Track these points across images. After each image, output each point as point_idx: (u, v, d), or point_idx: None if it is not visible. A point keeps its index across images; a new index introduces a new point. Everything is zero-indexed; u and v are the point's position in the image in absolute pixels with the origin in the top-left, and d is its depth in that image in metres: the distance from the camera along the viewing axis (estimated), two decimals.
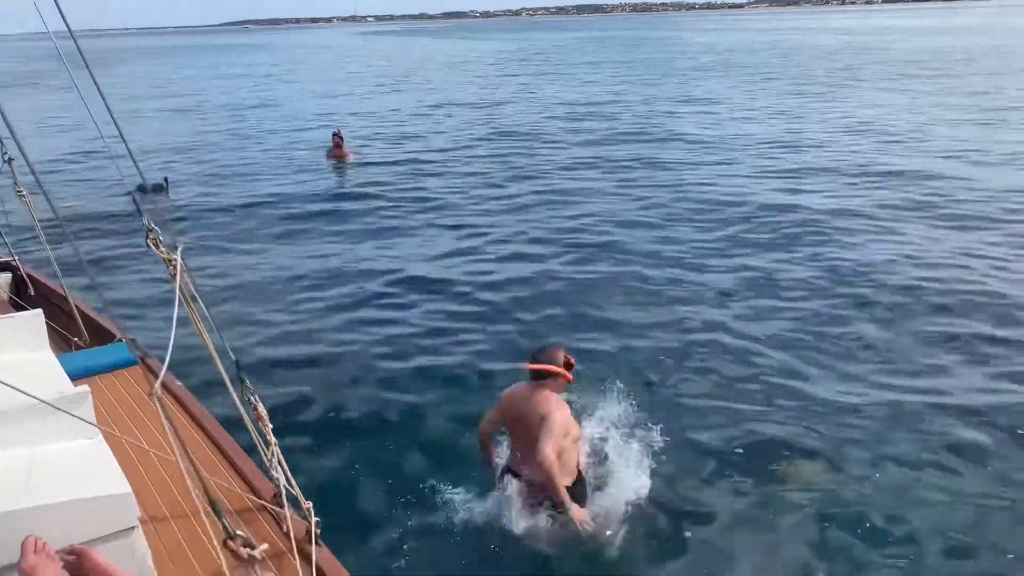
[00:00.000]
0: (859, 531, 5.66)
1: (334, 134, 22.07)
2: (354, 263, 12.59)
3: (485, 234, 13.92)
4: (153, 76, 62.60)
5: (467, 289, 11.11)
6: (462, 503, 5.84)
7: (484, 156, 21.56)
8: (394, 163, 20.85)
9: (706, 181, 17.55)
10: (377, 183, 18.50)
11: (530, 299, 10.65)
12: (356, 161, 21.42)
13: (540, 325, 9.77)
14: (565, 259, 12.27)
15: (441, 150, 22.68)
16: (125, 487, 3.20)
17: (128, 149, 3.72)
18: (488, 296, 10.82)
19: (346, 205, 16.56)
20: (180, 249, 3.41)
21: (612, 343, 9.07)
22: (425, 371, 8.56)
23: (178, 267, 3.32)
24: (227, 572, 3.10)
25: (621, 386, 7.30)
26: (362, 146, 23.45)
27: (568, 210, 15.25)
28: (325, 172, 20.49)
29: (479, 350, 9.02)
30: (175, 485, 4.03)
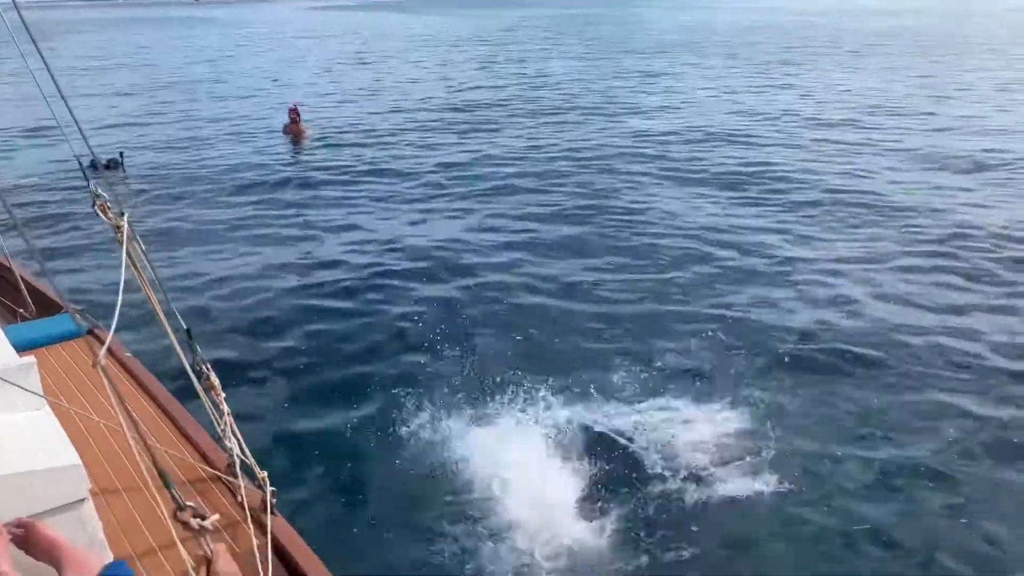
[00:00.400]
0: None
1: (290, 109, 21.70)
2: (308, 239, 12.52)
3: (440, 215, 13.82)
4: (103, 50, 60.83)
5: (421, 265, 11.12)
6: (418, 473, 5.86)
7: (445, 136, 21.37)
8: (352, 143, 20.53)
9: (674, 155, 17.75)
10: (333, 161, 18.28)
11: (482, 278, 10.69)
12: (312, 138, 21.09)
13: (484, 298, 9.87)
14: (530, 245, 12.17)
15: (400, 130, 22.43)
16: (74, 459, 3.13)
17: (78, 125, 3.62)
18: (443, 272, 10.84)
19: (300, 182, 16.38)
20: (127, 215, 3.33)
21: (577, 324, 9.10)
22: (381, 343, 8.55)
23: (124, 233, 3.25)
24: (179, 542, 3.06)
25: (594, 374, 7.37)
26: (319, 124, 23.08)
27: (536, 193, 15.12)
28: (280, 149, 20.17)
29: (436, 323, 9.02)
30: (126, 456, 3.96)
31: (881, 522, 5.74)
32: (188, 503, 3.41)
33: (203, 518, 2.93)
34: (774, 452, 6.47)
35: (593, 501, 5.79)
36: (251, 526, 3.44)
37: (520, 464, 6.02)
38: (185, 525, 2.89)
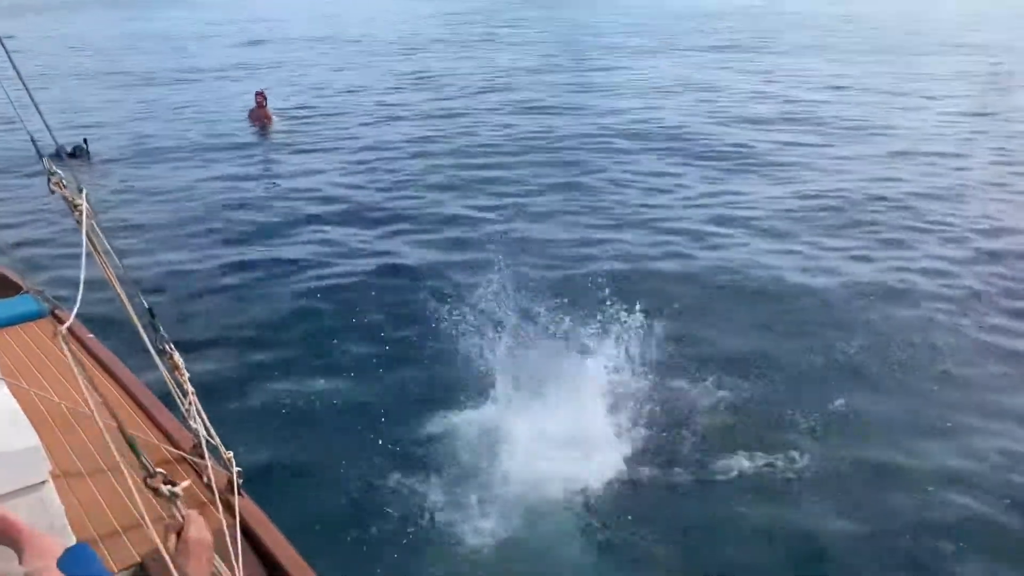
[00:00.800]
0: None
1: (257, 93, 21.25)
2: (274, 224, 12.40)
3: (410, 201, 13.54)
4: (63, 33, 59.47)
5: (387, 248, 11.07)
6: (384, 451, 5.84)
7: (416, 122, 21.04)
8: (319, 129, 20.13)
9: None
10: (300, 146, 18.05)
11: (447, 264, 10.54)
12: (280, 125, 20.72)
13: (448, 283, 9.81)
14: (503, 231, 11.95)
15: (369, 114, 22.08)
16: (33, 441, 3.08)
17: (37, 107, 3.54)
18: (411, 257, 10.75)
19: (267, 167, 16.23)
20: (85, 192, 3.27)
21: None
22: (348, 322, 8.51)
23: (83, 211, 3.19)
24: (145, 517, 3.02)
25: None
26: (285, 108, 22.68)
27: (511, 189, 14.57)
28: (247, 134, 19.86)
29: (404, 306, 8.99)
30: (88, 438, 3.91)
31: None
32: (158, 470, 3.37)
33: (174, 484, 2.89)
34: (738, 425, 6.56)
35: (572, 482, 5.79)
36: (219, 507, 3.41)
37: (494, 442, 6.02)
38: (156, 492, 2.85)
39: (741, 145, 16.83)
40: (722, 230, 11.54)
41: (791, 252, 10.64)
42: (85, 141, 17.05)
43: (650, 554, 5.32)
